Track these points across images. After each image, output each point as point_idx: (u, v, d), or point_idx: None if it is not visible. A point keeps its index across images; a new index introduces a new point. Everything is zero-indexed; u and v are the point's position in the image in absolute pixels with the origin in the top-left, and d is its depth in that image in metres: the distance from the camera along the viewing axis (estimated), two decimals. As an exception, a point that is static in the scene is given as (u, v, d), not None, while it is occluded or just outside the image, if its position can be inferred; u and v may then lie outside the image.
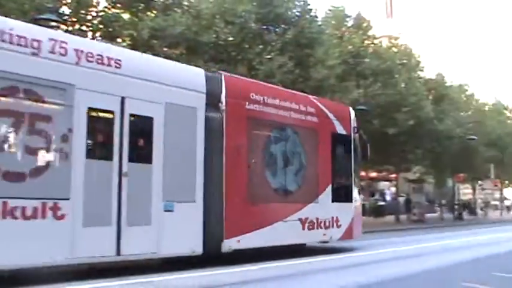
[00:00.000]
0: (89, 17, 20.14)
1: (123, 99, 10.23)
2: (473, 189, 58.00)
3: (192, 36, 20.97)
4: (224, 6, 22.40)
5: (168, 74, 11.42)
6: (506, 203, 63.55)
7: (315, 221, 14.29)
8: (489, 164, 46.65)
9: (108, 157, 9.97)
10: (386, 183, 51.28)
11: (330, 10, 31.86)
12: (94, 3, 20.11)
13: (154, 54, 14.44)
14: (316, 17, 26.33)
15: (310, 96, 15.65)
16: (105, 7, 20.62)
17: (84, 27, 19.86)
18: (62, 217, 9.04)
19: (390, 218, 37.64)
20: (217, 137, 11.94)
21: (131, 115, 10.33)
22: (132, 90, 10.40)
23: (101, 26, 20.20)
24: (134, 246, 10.06)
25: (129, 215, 9.99)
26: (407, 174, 44.83)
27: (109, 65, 10.14)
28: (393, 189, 46.78)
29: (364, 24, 32.70)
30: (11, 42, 8.80)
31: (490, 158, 45.41)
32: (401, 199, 42.35)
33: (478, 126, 42.53)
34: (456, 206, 48.85)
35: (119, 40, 20.34)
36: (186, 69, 12.66)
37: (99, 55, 10.00)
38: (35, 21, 12.81)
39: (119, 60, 10.34)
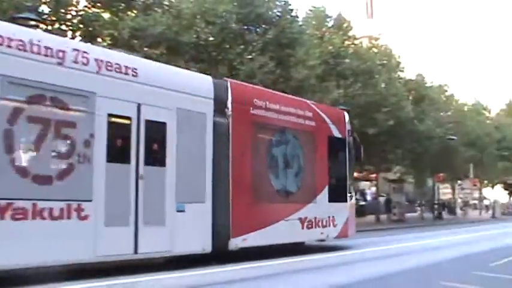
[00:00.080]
0: (69, 16, 19.93)
1: (139, 105, 10.81)
2: (453, 188, 58.41)
3: (173, 36, 20.90)
4: (205, 6, 22.30)
5: (179, 81, 12.03)
6: (485, 202, 64.08)
7: (313, 220, 14.99)
8: (468, 164, 47.03)
9: (126, 161, 10.55)
10: (367, 183, 51.45)
11: (310, 10, 31.94)
12: (74, 3, 19.93)
13: (134, 54, 14.35)
14: (297, 17, 26.37)
15: (308, 101, 16.42)
16: (85, 6, 20.45)
17: (64, 27, 19.67)
18: (85, 218, 9.59)
19: (371, 217, 37.71)
20: (224, 141, 12.55)
21: (146, 121, 10.92)
22: (147, 97, 10.98)
23: (81, 26, 20.03)
24: (150, 245, 10.60)
25: (145, 215, 10.57)
26: (387, 174, 45.00)
27: (126, 73, 10.70)
28: (373, 189, 46.96)
29: (345, 25, 32.77)
30: (38, 53, 9.30)
31: (469, 158, 45.73)
32: (382, 199, 42.52)
33: (457, 126, 42.86)
34: (436, 206, 49.14)
35: (99, 40, 20.20)
36: (195, 77, 13.29)
37: (117, 64, 10.57)
38: (14, 20, 12.59)
39: (135, 68, 10.91)
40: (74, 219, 9.39)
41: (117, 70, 10.52)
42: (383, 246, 18.09)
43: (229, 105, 12.82)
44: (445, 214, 50.33)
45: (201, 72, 15.50)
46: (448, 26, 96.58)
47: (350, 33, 33.01)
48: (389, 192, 43.22)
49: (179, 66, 14.46)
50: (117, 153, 10.53)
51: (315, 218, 15.03)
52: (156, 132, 11.17)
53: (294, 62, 24.40)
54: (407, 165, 43.10)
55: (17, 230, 8.66)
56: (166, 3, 22.57)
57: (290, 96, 16.72)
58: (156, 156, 11.14)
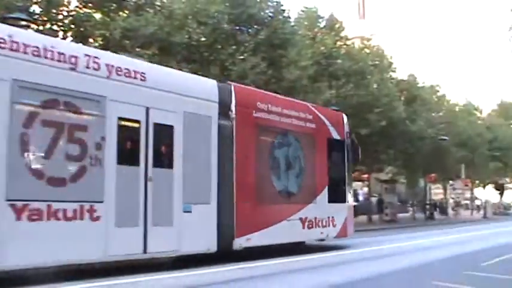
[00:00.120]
0: (60, 17, 19.85)
1: (147, 109, 11.09)
2: (445, 189, 58.57)
3: (165, 36, 20.87)
4: (197, 6, 22.28)
5: (185, 85, 12.33)
6: (477, 202, 64.27)
7: (313, 220, 15.38)
8: (460, 164, 47.19)
9: (136, 163, 10.82)
10: (359, 183, 51.50)
11: (302, 11, 31.93)
12: (65, 3, 19.86)
13: (126, 55, 14.32)
14: (289, 17, 26.38)
15: (308, 104, 16.78)
16: (77, 6, 20.34)
17: (55, 27, 19.60)
18: (97, 218, 9.86)
19: (363, 218, 37.69)
20: (228, 143, 12.89)
21: (155, 124, 11.20)
22: (155, 101, 11.26)
23: (72, 26, 19.94)
24: (158, 244, 10.91)
25: (154, 216, 10.88)
26: (379, 175, 45.08)
27: (135, 77, 10.98)
28: (366, 189, 47.02)
29: (337, 25, 32.82)
30: (52, 59, 9.56)
31: (461, 158, 45.91)
32: (374, 199, 42.59)
33: (449, 126, 42.98)
34: (427, 206, 49.25)
35: (91, 40, 20.13)
36: (200, 81, 13.54)
37: (126, 69, 10.85)
38: (4, 20, 12.52)
39: (144, 73, 11.19)
40: (86, 220, 9.67)
41: (127, 75, 10.79)
42: (375, 246, 18.10)
43: (233, 108, 13.10)
44: (436, 214, 50.48)
45: (192, 72, 15.53)
46: (440, 27, 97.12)
47: (342, 34, 33.02)
48: (382, 193, 43.28)
49: (171, 67, 14.56)
50: (127, 155, 10.81)
51: (315, 218, 15.39)
52: (164, 135, 11.45)
53: (286, 62, 24.41)
54: (399, 165, 43.22)
55: (33, 230, 8.89)
56: (158, 3, 22.51)
57: (291, 99, 16.99)
58: (164, 159, 11.45)
